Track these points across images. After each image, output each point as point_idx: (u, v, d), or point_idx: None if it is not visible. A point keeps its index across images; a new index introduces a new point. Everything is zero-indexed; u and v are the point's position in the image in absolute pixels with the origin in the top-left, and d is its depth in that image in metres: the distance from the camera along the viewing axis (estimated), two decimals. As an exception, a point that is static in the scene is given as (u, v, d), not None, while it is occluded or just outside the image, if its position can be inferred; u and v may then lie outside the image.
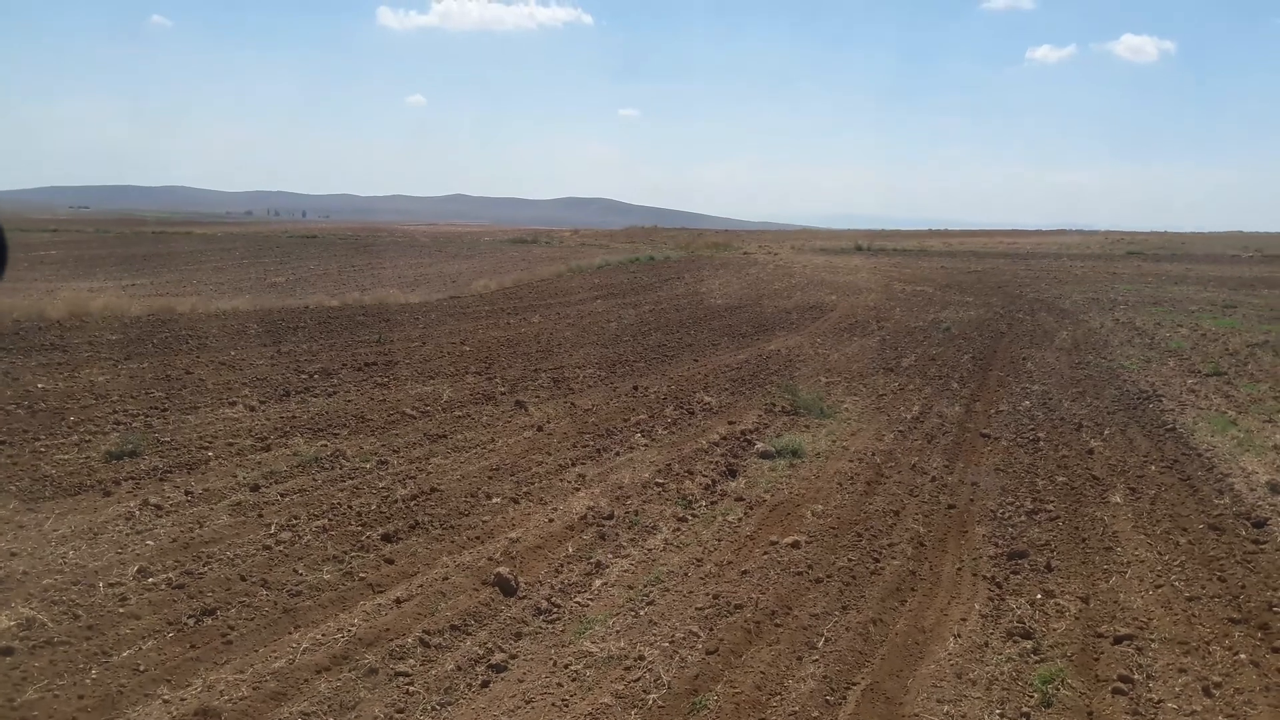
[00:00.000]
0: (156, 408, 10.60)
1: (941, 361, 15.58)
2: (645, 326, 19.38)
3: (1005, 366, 15.21)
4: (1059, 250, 56.49)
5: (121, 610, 5.29)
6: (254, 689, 4.45)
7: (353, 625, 5.24)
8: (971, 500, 7.94)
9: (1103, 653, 4.92)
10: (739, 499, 7.99)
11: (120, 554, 6.17)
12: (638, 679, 4.66)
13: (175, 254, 42.00)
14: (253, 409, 10.84)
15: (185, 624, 5.19)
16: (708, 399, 12.17)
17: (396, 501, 7.57)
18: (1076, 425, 10.69)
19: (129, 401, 10.78)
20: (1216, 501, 7.66)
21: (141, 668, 4.68)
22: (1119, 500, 7.73)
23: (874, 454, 9.41)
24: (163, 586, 5.66)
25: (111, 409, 10.34)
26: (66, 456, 8.46)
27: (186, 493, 7.58)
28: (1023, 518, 7.35)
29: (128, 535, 6.57)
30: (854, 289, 28.88)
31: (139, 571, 5.84)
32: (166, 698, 4.40)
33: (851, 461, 9.13)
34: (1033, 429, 10.56)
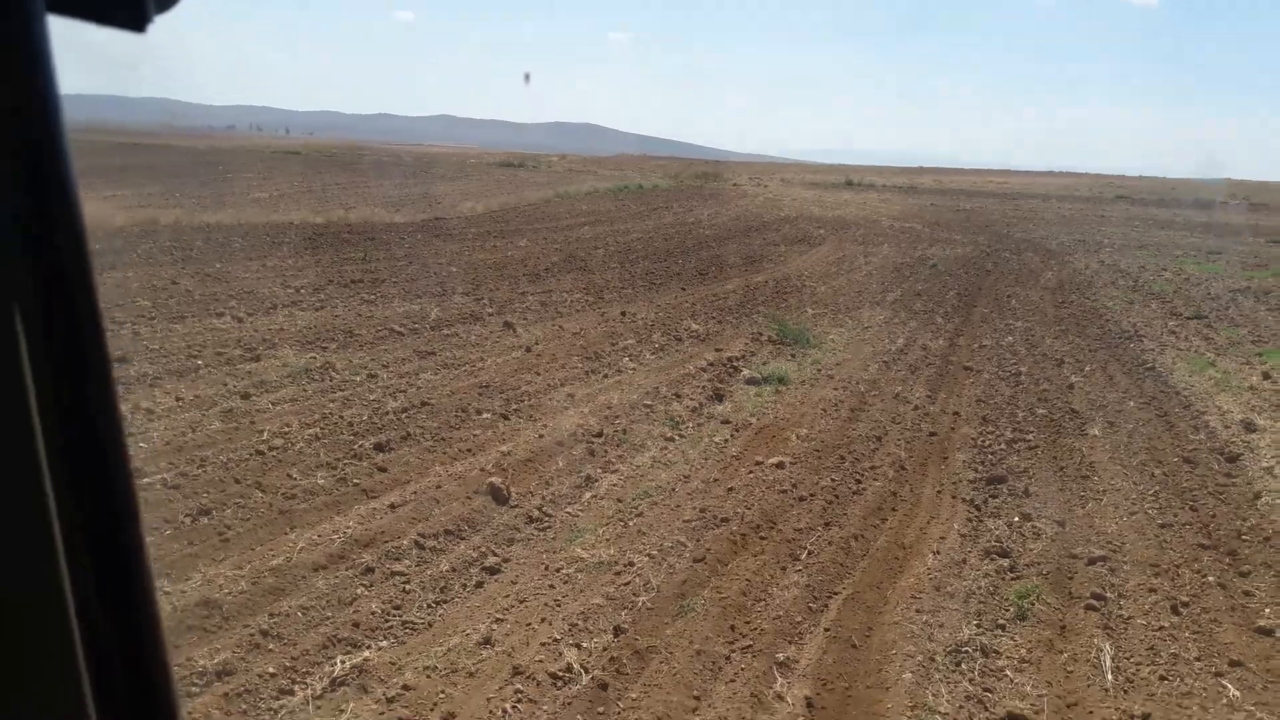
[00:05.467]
0: (144, 316, 10.55)
1: (927, 297, 15.67)
2: (633, 254, 19.30)
3: (990, 303, 15.31)
4: (1047, 192, 56.35)
5: (118, 508, 5.35)
6: (253, 584, 4.56)
7: (348, 527, 5.34)
8: (953, 429, 8.09)
9: (1076, 572, 5.11)
10: (725, 421, 8.10)
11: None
12: (627, 583, 4.80)
13: (156, 166, 41.09)
14: (240, 320, 10.81)
15: (182, 522, 5.27)
16: (695, 326, 12.23)
17: (388, 413, 7.63)
18: (1058, 361, 10.85)
19: (115, 310, 10.70)
20: (1192, 437, 7.85)
21: (141, 561, 4.77)
22: (1097, 433, 7.91)
23: (858, 383, 9.53)
24: (158, 486, 5.72)
25: (98, 316, 10.28)
26: (54, 361, 8.44)
27: (177, 398, 7.61)
28: (1003, 446, 7.51)
29: (120, 437, 6.61)
30: (842, 223, 28.79)
31: (133, 471, 5.90)
32: (167, 590, 4.49)
33: (836, 389, 9.26)
34: (1015, 363, 10.70)
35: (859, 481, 6.61)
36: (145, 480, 5.78)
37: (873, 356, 10.84)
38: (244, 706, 3.61)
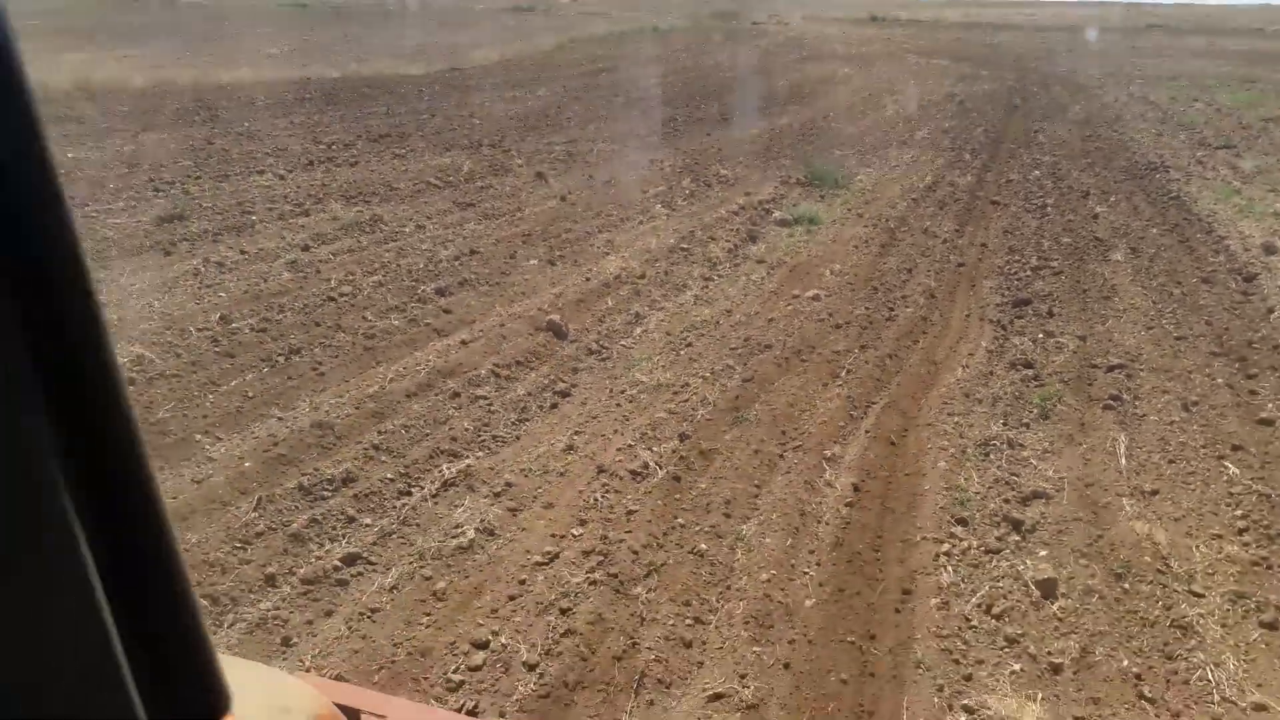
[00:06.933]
0: (190, 176, 10.85)
1: (954, 134, 15.64)
2: (654, 100, 19.16)
3: (1017, 139, 15.29)
4: (1078, 23, 54.15)
5: (216, 350, 5.89)
6: (356, 408, 5.12)
7: (429, 360, 5.86)
8: (980, 259, 8.45)
9: (1096, 379, 5.59)
10: (760, 261, 8.48)
11: (199, 304, 6.71)
12: (686, 400, 5.33)
13: (163, 24, 40.12)
14: (282, 177, 11.10)
15: (277, 360, 5.80)
16: (724, 171, 12.40)
17: (441, 261, 8.05)
18: (1084, 193, 11.04)
19: (161, 170, 11.00)
20: (1211, 259, 8.18)
21: (250, 394, 5.33)
22: (1119, 258, 8.25)
23: (888, 220, 9.82)
24: (246, 330, 6.23)
25: (147, 177, 10.59)
26: (119, 221, 8.85)
27: (242, 252, 8.04)
28: (1028, 273, 7.89)
29: (199, 289, 7.09)
30: (868, 61, 28.11)
31: (221, 319, 6.40)
32: (280, 416, 5.06)
33: (866, 227, 9.57)
34: (1041, 197, 10.91)
35: (891, 309, 7.05)
36: (234, 325, 6.29)
37: (901, 194, 11.07)
38: (372, 505, 4.21)
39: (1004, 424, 4.93)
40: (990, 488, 4.25)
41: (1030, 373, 5.66)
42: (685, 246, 8.91)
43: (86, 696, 0.53)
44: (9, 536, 0.48)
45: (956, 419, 5.00)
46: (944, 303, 7.24)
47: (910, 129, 16.08)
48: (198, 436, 4.81)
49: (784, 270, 8.19)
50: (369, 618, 3.45)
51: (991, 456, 4.56)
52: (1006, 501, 4.14)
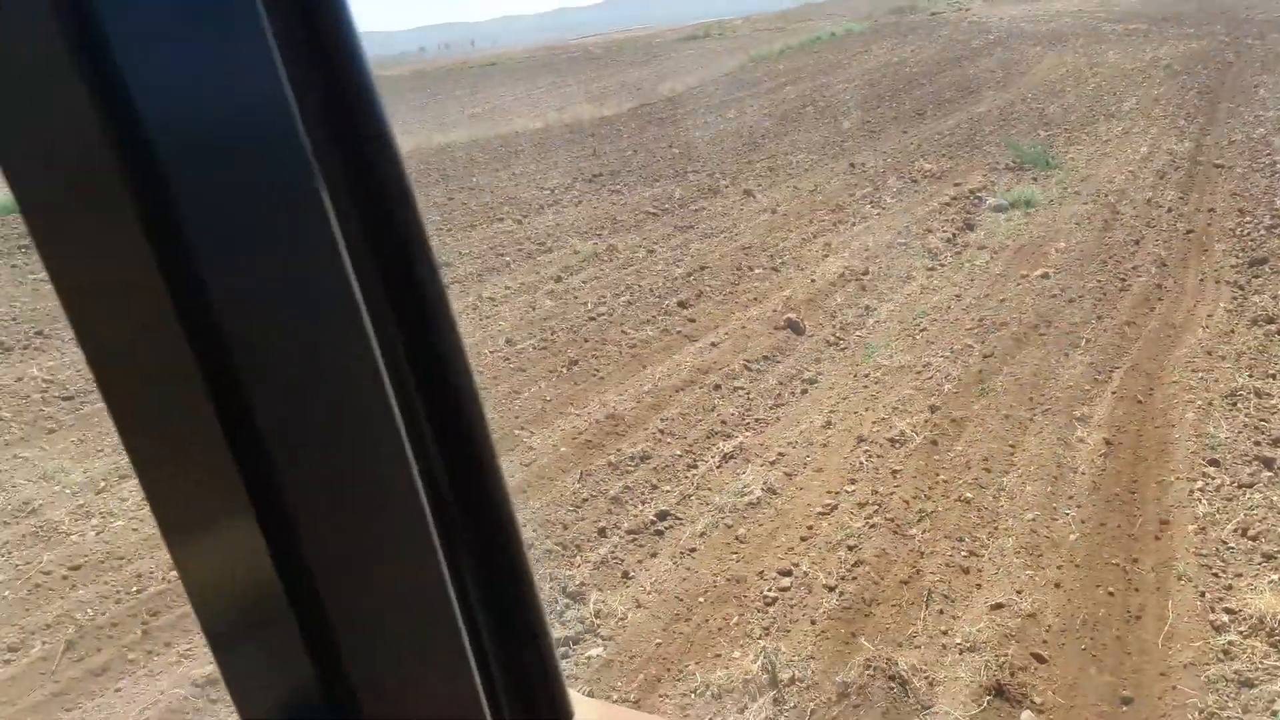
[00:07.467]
0: (442, 229, 12.39)
1: (1165, 101, 15.04)
2: (844, 106, 19.50)
3: (1235, 97, 14.51)
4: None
5: (510, 366, 6.98)
6: (637, 402, 6.00)
7: (687, 361, 6.69)
8: (1209, 224, 8.36)
9: (1346, 328, 5.62)
10: (981, 247, 8.79)
11: (485, 332, 7.87)
12: (930, 377, 5.85)
13: (375, 98, 44.27)
14: (519, 221, 12.45)
15: (561, 371, 6.81)
16: (927, 166, 12.65)
17: (676, 278, 8.92)
18: (1321, 144, 10.51)
19: (418, 225, 12.63)
20: None
21: (547, 398, 6.34)
22: (1367, 208, 7.94)
23: (1107, 195, 9.81)
24: (530, 350, 7.31)
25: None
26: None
27: (506, 287, 9.26)
28: (1262, 232, 7.76)
29: (480, 320, 8.29)
30: (1059, 37, 27.06)
31: (507, 342, 7.53)
32: (577, 413, 6.02)
33: (1086, 204, 9.62)
34: (1269, 155, 10.47)
35: (1123, 280, 7.22)
36: (519, 346, 7.39)
37: (1117, 168, 10.95)
38: (668, 476, 5.03)
39: (1250, 376, 5.12)
40: (1240, 433, 4.51)
41: (1273, 327, 5.75)
42: (902, 241, 9.34)
43: (442, 697, 0.55)
44: (371, 534, 0.49)
45: (1201, 375, 5.23)
46: (1176, 269, 7.32)
47: (1116, 101, 15.59)
48: (516, 432, 5.83)
49: (1008, 253, 8.46)
50: (688, 556, 4.24)
51: (1239, 406, 4.79)
52: (1257, 444, 4.39)
